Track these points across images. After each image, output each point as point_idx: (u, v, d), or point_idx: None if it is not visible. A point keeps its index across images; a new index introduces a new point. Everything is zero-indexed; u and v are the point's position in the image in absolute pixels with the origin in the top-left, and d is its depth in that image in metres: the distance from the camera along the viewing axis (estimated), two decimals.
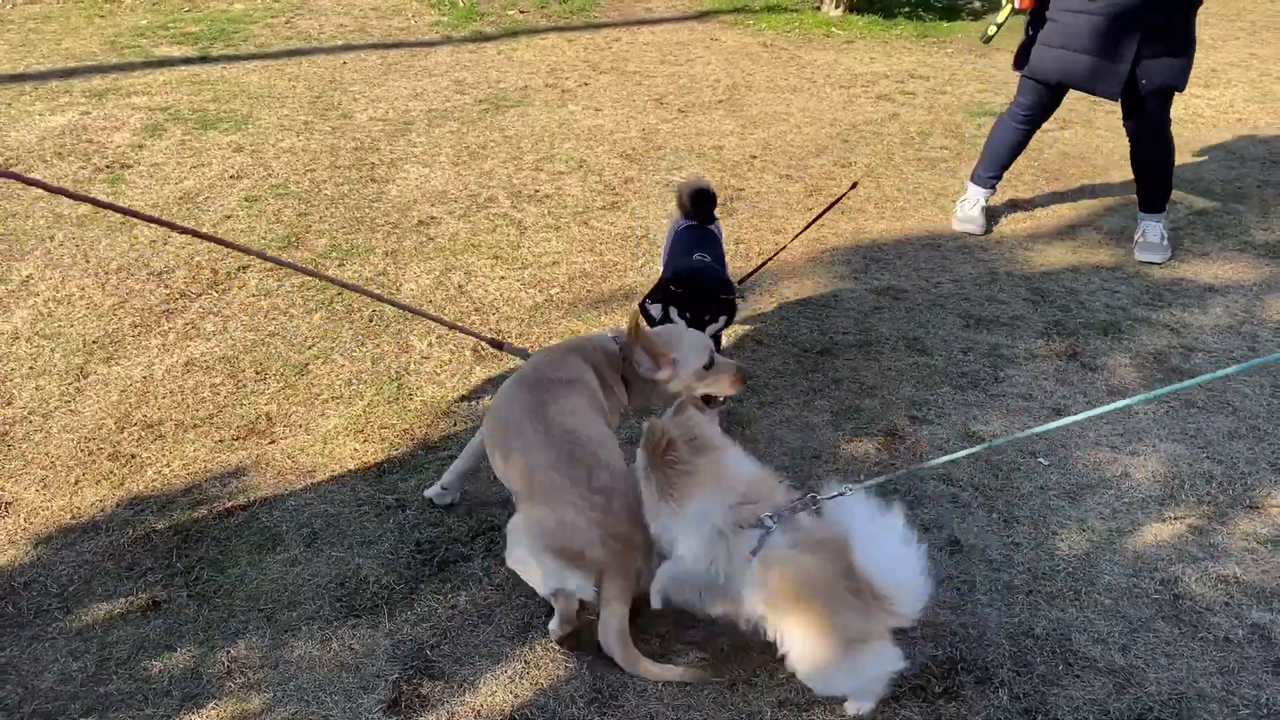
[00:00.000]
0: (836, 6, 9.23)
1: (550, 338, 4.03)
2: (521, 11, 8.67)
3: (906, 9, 9.60)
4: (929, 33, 8.99)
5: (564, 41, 8.03)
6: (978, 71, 7.83)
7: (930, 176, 5.79)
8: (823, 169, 5.84)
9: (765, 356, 3.98)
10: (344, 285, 3.47)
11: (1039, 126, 5.05)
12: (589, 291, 4.40)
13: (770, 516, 2.33)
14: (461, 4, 8.64)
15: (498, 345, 3.21)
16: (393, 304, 3.52)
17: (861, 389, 3.79)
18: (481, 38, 7.96)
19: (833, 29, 8.82)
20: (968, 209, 5.18)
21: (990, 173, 5.14)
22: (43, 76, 6.42)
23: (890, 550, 2.21)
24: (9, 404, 3.52)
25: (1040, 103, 4.88)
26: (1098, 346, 4.10)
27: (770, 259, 4.31)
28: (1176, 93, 4.62)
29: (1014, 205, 5.46)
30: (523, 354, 3.16)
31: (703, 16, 9.06)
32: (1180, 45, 4.50)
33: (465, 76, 7.04)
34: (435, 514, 3.09)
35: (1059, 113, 6.33)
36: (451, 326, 3.48)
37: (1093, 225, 5.19)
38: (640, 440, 2.45)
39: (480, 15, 8.44)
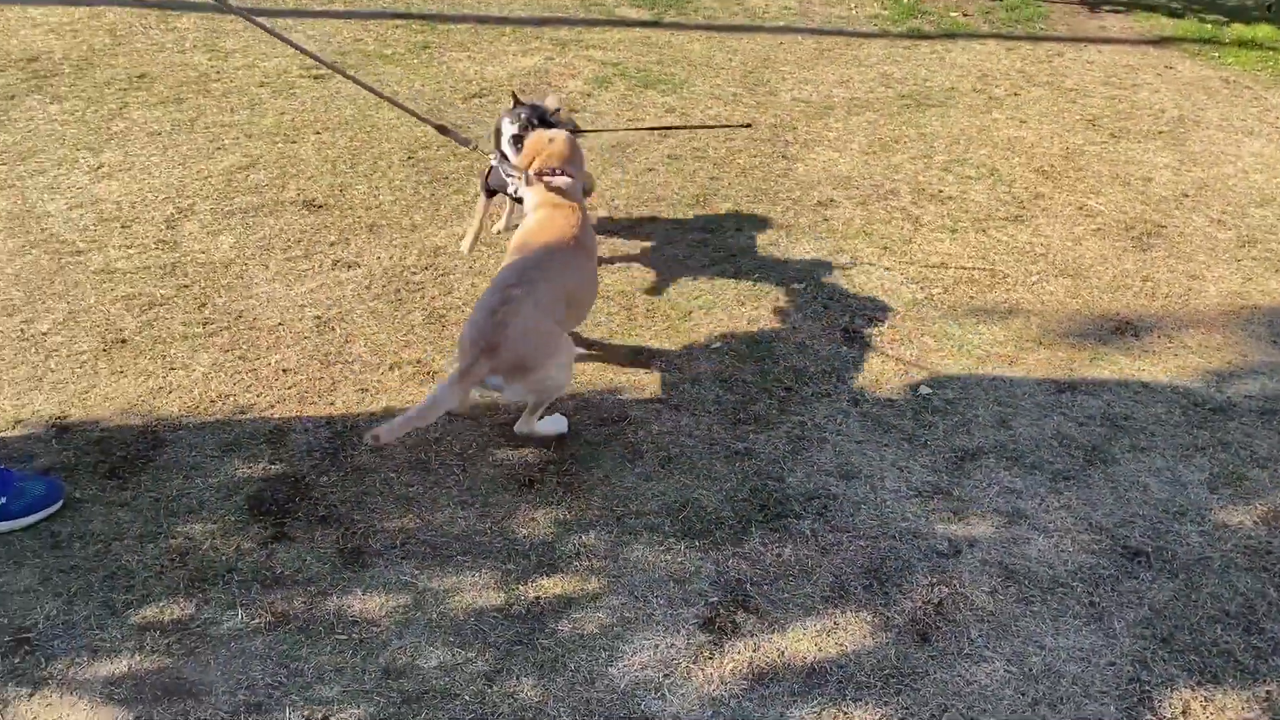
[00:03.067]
0: None
1: (922, 336, 4.06)
2: (965, 15, 8.54)
3: None
4: None
5: (1002, 49, 7.82)
6: None
7: None
8: (1264, 220, 5.31)
9: (1147, 400, 3.76)
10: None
11: None
12: (972, 299, 4.37)
13: None
14: (906, 0, 8.66)
15: (442, 130, 3.79)
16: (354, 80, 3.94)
17: (1253, 458, 3.49)
18: (918, 35, 7.96)
19: None
20: None
21: None
22: (521, 22, 7.29)
23: None
24: (449, 293, 4.13)
25: None
26: None
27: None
28: None
29: None
30: (465, 142, 3.89)
31: (1161, 43, 8.42)
32: None
33: (893, 71, 7.10)
34: (778, 469, 3.28)
35: None
36: (400, 106, 3.93)
37: None
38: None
39: (921, 13, 8.42)
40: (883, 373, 3.84)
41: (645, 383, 3.67)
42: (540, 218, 3.47)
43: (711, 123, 4.90)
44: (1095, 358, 4.01)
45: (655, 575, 2.85)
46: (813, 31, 7.77)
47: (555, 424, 3.34)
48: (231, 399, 3.39)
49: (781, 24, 7.87)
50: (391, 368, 3.62)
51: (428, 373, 3.63)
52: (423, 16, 7.16)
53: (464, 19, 7.22)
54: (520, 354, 3.01)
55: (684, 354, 3.87)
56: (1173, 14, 9.25)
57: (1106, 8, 9.34)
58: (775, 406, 3.61)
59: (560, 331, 3.23)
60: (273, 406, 3.37)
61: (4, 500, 2.74)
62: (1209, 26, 8.92)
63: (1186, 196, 5.53)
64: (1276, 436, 3.60)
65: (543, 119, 3.91)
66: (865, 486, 3.25)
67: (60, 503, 2.86)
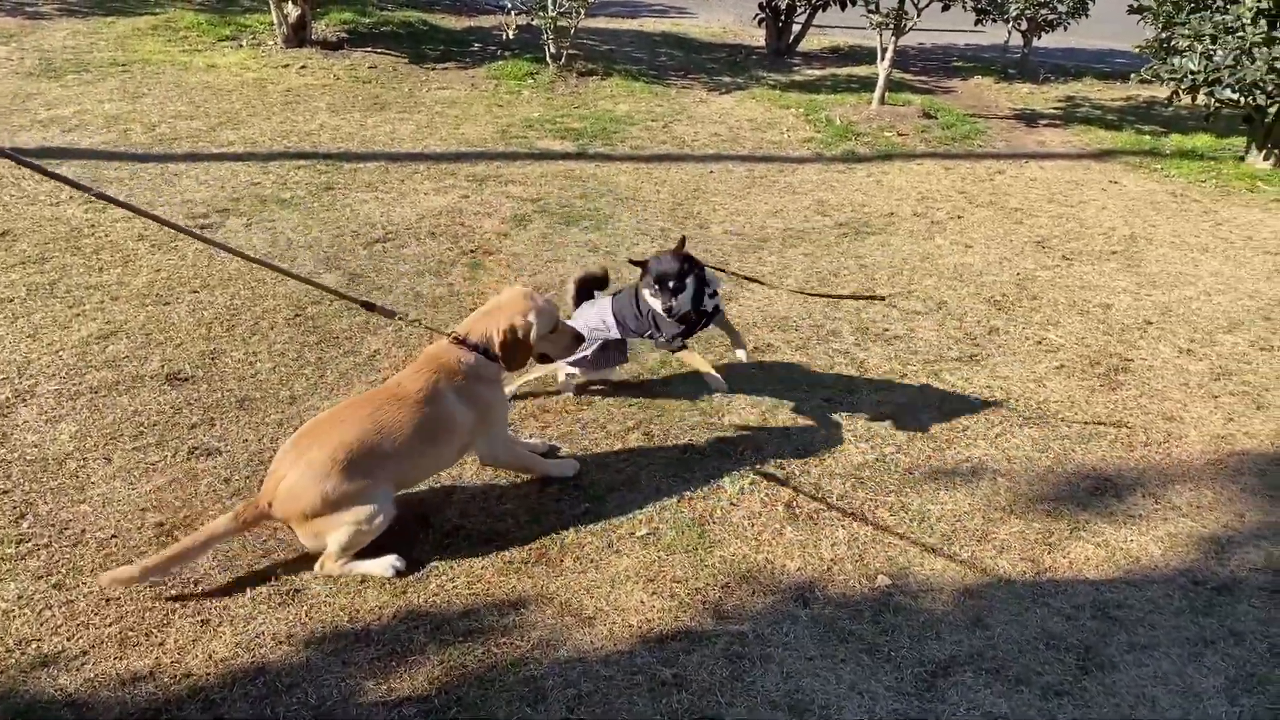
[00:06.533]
0: (1266, 158, 8.05)
1: (876, 508, 3.53)
2: (901, 134, 8.31)
3: None
4: None
5: (940, 169, 7.55)
6: None
7: None
8: (1235, 348, 4.91)
9: (1140, 582, 3.23)
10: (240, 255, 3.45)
11: None
12: (929, 458, 3.86)
13: None
14: (838, 122, 8.43)
15: (369, 306, 3.28)
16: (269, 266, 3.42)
17: (1272, 653, 2.95)
18: (853, 158, 7.67)
19: (1259, 183, 7.67)
20: None
21: None
22: (436, 158, 6.88)
23: None
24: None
25: None
26: None
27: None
28: None
29: None
30: (390, 314, 3.33)
31: (1103, 156, 8.23)
32: None
33: (829, 197, 6.75)
34: (714, 703, 2.68)
35: None
36: (330, 291, 3.54)
37: None
38: None
39: (855, 135, 8.17)
40: (835, 559, 3.28)
41: (554, 590, 3.07)
42: None
43: (842, 293, 5.02)
44: (1075, 528, 3.49)
45: None
46: (743, 159, 7.44)
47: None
48: (35, 645, 2.73)
49: (711, 152, 7.54)
50: (244, 586, 2.99)
51: (290, 591, 3.00)
52: (328, 156, 6.71)
53: (373, 157, 6.80)
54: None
55: (602, 545, 3.28)
56: (1110, 126, 9.14)
57: (1044, 122, 9.21)
58: (710, 613, 3.02)
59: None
60: (85, 654, 2.71)
61: None
62: (1148, 138, 8.79)
63: (1150, 324, 5.13)
64: None
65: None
66: None
67: None
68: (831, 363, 4.56)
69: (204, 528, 2.94)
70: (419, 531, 3.29)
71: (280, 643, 2.81)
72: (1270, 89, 7.24)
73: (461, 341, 3.21)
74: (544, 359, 3.57)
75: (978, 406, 4.25)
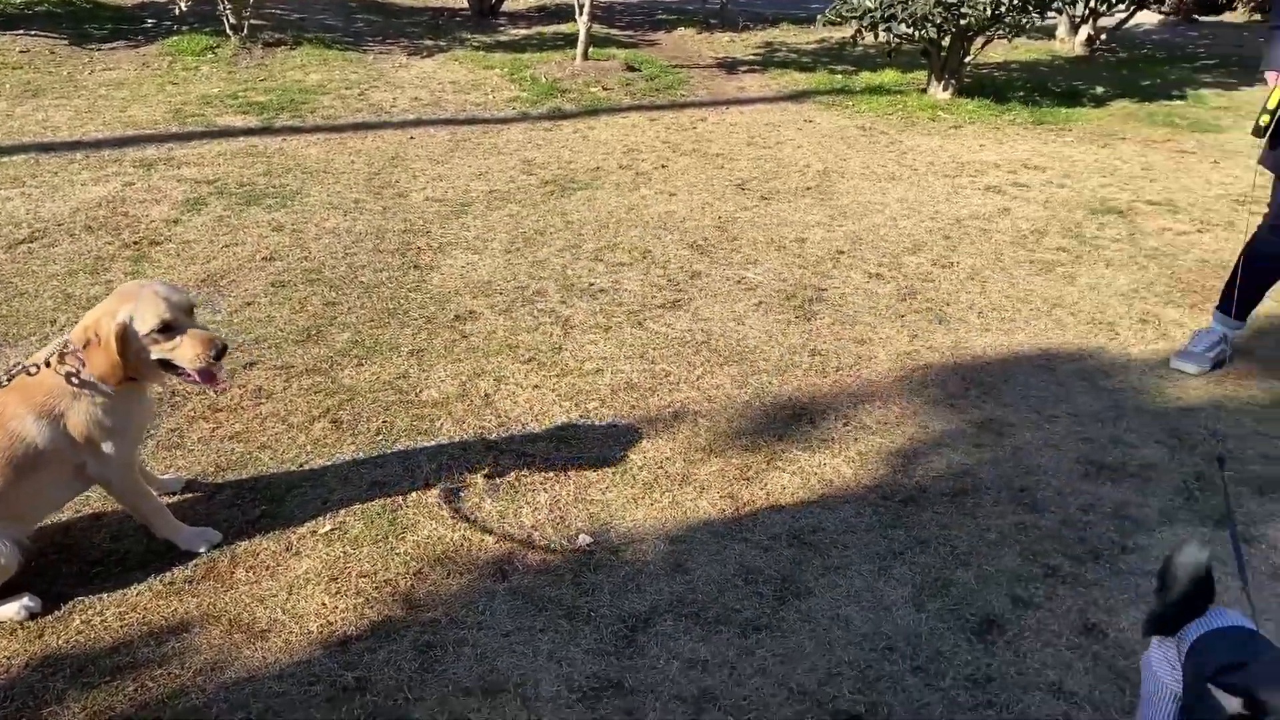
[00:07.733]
0: (945, 89, 8.59)
1: (580, 466, 3.41)
2: (605, 89, 8.26)
3: (1021, 93, 8.90)
4: (1045, 119, 8.26)
5: (646, 121, 7.56)
6: (1100, 163, 7.07)
7: (1044, 282, 5.05)
8: (919, 268, 5.16)
9: (834, 504, 3.28)
10: None
11: None
12: (633, 407, 3.79)
13: None
14: (543, 80, 8.27)
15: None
16: None
17: (953, 555, 3.06)
18: (559, 115, 7.55)
19: (939, 112, 8.17)
20: (1200, 345, 4.24)
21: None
22: (98, 145, 6.19)
23: None
24: None
25: None
26: (1255, 510, 3.29)
27: None
28: None
29: (1143, 321, 4.68)
30: (26, 370, 2.63)
31: (798, 97, 8.51)
32: None
33: (535, 156, 6.60)
34: (400, 702, 2.47)
35: (1196, 213, 5.64)
36: None
37: (1241, 349, 4.38)
38: None
39: (561, 92, 8.05)
40: (535, 524, 3.14)
41: (222, 607, 2.76)
42: None
43: None
44: (772, 459, 3.52)
45: None
46: (446, 122, 7.16)
47: None
48: None
49: (411, 117, 7.21)
50: None
51: None
52: None
53: (21, 149, 6.03)
54: None
55: (280, 549, 2.99)
56: (804, 69, 9.48)
57: (744, 68, 9.43)
58: (399, 603, 2.81)
59: None
60: None
61: None
62: (839, 77, 9.17)
63: (842, 253, 5.30)
64: (972, 523, 3.21)
65: None
66: (515, 701, 2.50)
67: None
68: (537, 323, 4.42)
69: None
70: (62, 564, 2.88)
71: None
72: (939, 21, 7.69)
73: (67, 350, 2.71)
74: (172, 369, 2.73)
75: (680, 351, 4.23)
